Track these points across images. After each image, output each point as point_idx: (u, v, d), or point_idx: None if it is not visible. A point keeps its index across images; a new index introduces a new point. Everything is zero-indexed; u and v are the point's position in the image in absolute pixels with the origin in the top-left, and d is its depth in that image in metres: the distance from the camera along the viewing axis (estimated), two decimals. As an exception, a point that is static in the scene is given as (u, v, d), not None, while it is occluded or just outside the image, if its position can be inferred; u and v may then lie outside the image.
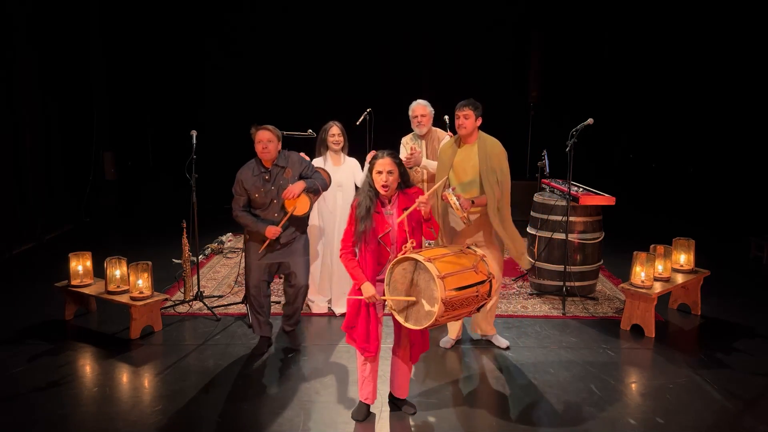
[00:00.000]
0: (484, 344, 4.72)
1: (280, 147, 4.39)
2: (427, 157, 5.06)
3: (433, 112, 5.11)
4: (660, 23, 9.23)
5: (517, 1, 9.41)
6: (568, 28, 9.41)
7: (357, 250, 3.50)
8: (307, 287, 4.60)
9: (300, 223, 4.48)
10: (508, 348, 4.64)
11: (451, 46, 9.42)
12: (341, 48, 9.25)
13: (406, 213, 3.37)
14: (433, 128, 5.15)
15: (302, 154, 4.70)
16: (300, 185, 4.31)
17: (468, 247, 3.49)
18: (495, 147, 4.39)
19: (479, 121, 4.36)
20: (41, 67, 7.83)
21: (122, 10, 9.06)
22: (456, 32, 9.40)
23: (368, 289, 3.40)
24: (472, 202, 4.22)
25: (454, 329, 4.70)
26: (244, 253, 4.58)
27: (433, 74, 9.20)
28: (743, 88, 8.64)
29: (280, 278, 4.67)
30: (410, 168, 4.89)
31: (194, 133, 5.31)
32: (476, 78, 9.07)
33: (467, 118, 4.33)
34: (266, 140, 4.28)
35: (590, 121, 5.10)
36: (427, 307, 3.18)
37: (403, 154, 5.10)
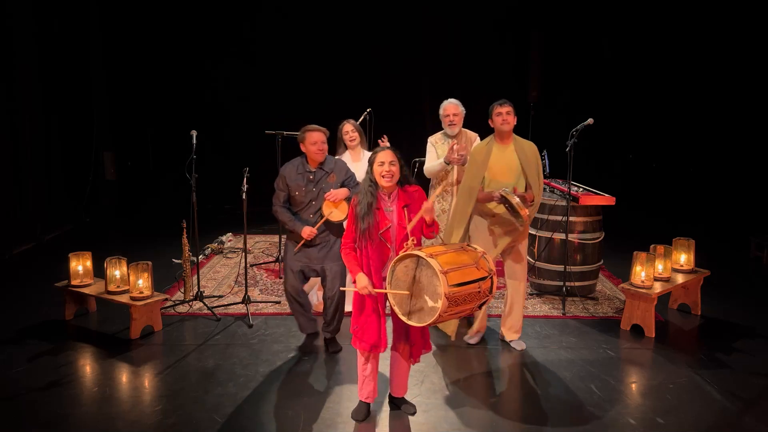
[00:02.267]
0: (484, 344, 4.72)
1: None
2: None
3: (465, 112, 5.04)
4: (660, 23, 9.23)
5: (517, 1, 9.41)
6: (568, 28, 9.41)
7: (357, 247, 3.50)
8: (343, 293, 4.57)
9: (335, 229, 4.49)
10: (523, 350, 4.65)
11: (451, 46, 9.42)
12: (342, 48, 9.25)
13: (413, 222, 3.37)
14: (464, 129, 5.08)
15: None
16: (344, 192, 4.40)
17: (468, 245, 3.50)
18: (532, 147, 4.46)
19: (515, 120, 4.39)
20: (41, 67, 7.83)
21: (122, 10, 9.06)
22: (456, 32, 9.39)
23: (362, 280, 3.40)
24: (531, 200, 4.25)
25: (476, 324, 4.70)
26: (284, 252, 4.62)
27: (433, 74, 9.20)
28: (743, 89, 8.64)
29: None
30: (461, 165, 4.81)
31: (194, 133, 5.31)
32: (476, 78, 9.07)
33: (509, 114, 4.35)
34: (321, 141, 4.35)
35: (590, 121, 5.11)
36: (430, 303, 3.19)
37: (432, 153, 5.05)
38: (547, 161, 6.00)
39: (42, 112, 7.92)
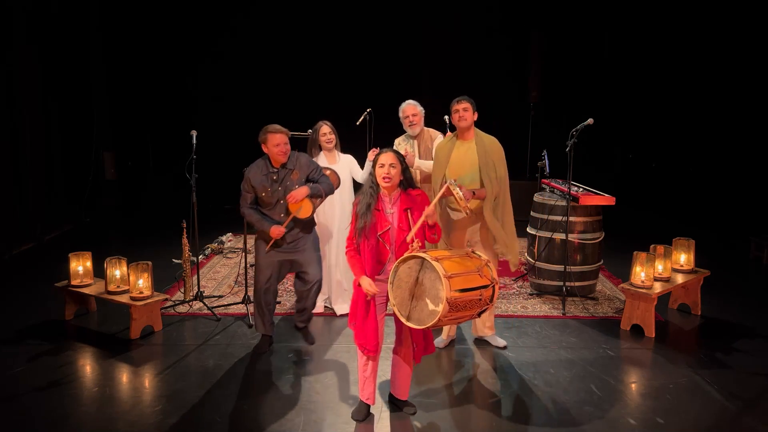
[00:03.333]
0: (484, 344, 4.72)
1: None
2: (420, 158, 5.07)
3: (424, 111, 5.11)
4: (660, 23, 9.24)
5: (517, 1, 9.41)
6: (568, 29, 9.41)
7: (357, 246, 3.50)
8: (320, 282, 4.59)
9: (305, 225, 4.50)
10: (505, 347, 4.65)
11: (451, 46, 9.42)
12: (341, 48, 9.25)
13: (414, 229, 3.37)
14: (426, 128, 5.14)
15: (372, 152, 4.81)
16: (304, 191, 4.35)
17: (473, 252, 3.48)
18: (493, 144, 4.43)
19: (476, 116, 4.40)
20: (41, 67, 7.83)
21: (122, 10, 9.06)
22: (456, 32, 9.40)
23: (365, 282, 3.41)
24: (473, 193, 4.23)
25: (446, 329, 4.71)
26: (255, 251, 4.60)
27: (433, 74, 9.20)
28: (743, 89, 8.64)
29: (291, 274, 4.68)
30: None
31: (194, 133, 5.32)
32: (476, 78, 9.07)
33: (466, 110, 4.37)
34: (284, 143, 4.35)
35: (590, 121, 5.10)
36: (431, 306, 3.18)
37: None
38: (547, 161, 6.01)
39: (42, 112, 7.92)
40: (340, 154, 5.27)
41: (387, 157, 3.44)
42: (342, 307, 5.24)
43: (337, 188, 4.78)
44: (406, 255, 3.28)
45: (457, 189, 3.85)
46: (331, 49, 9.28)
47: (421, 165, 5.00)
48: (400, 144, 5.18)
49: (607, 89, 9.48)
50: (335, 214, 5.17)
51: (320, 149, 5.20)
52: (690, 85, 9.17)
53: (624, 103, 9.55)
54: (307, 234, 4.53)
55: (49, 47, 7.93)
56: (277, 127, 4.39)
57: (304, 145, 5.37)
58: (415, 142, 5.10)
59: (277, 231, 4.34)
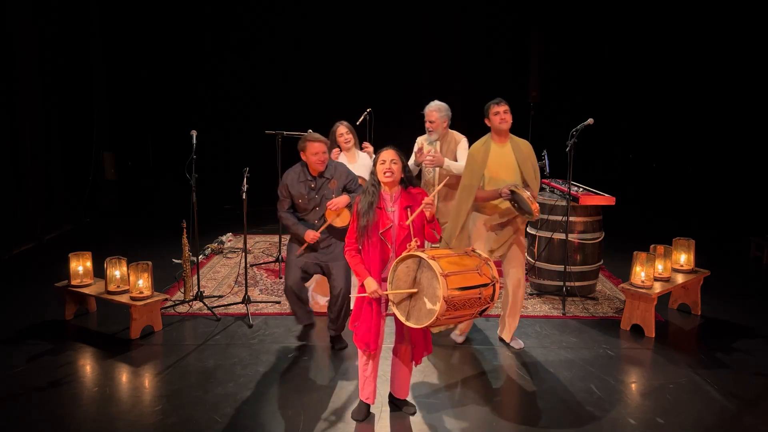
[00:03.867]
0: (484, 344, 4.72)
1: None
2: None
3: (449, 115, 5.02)
4: (660, 23, 9.23)
5: (517, 1, 9.41)
6: (568, 28, 9.41)
7: (360, 247, 3.50)
8: (347, 290, 4.59)
9: (338, 233, 4.50)
10: (521, 348, 4.67)
11: (451, 45, 9.42)
12: (341, 48, 9.25)
13: (414, 214, 3.37)
14: (451, 131, 5.07)
15: (335, 153, 4.86)
16: (345, 199, 4.42)
17: (473, 250, 3.48)
18: (528, 145, 4.51)
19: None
20: (41, 67, 7.83)
21: (122, 10, 9.06)
22: (456, 32, 9.40)
23: (371, 284, 3.41)
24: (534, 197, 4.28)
25: (461, 324, 4.72)
26: (287, 251, 4.67)
27: (433, 74, 9.20)
28: (743, 89, 8.64)
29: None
30: (433, 167, 4.88)
31: (194, 133, 5.32)
32: (476, 78, 9.07)
33: (507, 113, 4.39)
34: (322, 152, 4.37)
35: (590, 121, 5.10)
36: (428, 305, 3.17)
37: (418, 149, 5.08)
38: (547, 161, 6.01)
39: (42, 113, 7.92)
40: (359, 152, 5.27)
41: (388, 154, 3.45)
42: None
43: None
44: (404, 254, 3.28)
45: (525, 191, 3.90)
46: (332, 49, 9.27)
47: (450, 166, 4.88)
48: (423, 143, 5.10)
49: (607, 89, 9.47)
50: None
51: (339, 149, 5.19)
52: (690, 85, 9.18)
53: (624, 103, 9.54)
54: (340, 242, 4.50)
55: (49, 47, 7.92)
56: (317, 135, 4.44)
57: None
58: (438, 143, 5.03)
59: (311, 235, 4.39)
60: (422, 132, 5.11)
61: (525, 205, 4.15)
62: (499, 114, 4.36)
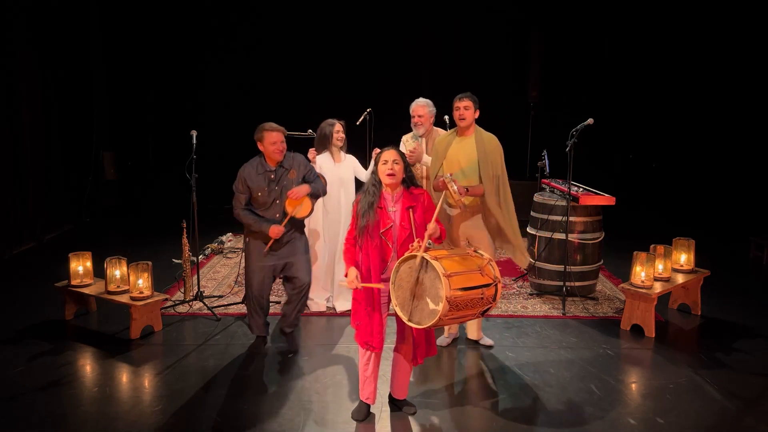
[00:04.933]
0: (484, 345, 4.72)
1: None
2: (427, 155, 5.07)
3: (434, 111, 5.09)
4: (660, 23, 9.23)
5: (517, 1, 9.41)
6: (569, 28, 9.41)
7: (359, 246, 3.50)
8: (309, 285, 4.59)
9: (299, 224, 4.51)
10: (491, 346, 4.66)
11: (451, 45, 9.42)
12: (341, 48, 9.25)
13: (425, 241, 3.31)
14: (435, 128, 5.13)
15: (311, 153, 4.87)
16: (305, 188, 4.36)
17: (475, 251, 3.47)
18: (492, 141, 4.44)
19: (477, 114, 4.40)
20: (41, 67, 7.83)
21: (122, 10, 9.06)
22: (456, 32, 9.40)
23: (350, 274, 3.42)
24: (467, 189, 4.23)
25: (447, 327, 4.73)
26: (244, 254, 4.58)
27: (433, 74, 9.20)
28: (743, 89, 8.64)
29: (280, 278, 4.67)
30: (412, 165, 4.89)
31: (194, 133, 5.32)
32: (476, 78, 9.06)
33: (467, 109, 4.37)
34: (280, 141, 4.33)
35: (590, 121, 5.11)
36: (431, 305, 3.17)
37: (404, 150, 5.08)
38: (547, 161, 6.01)
39: (42, 112, 7.92)
40: (345, 154, 5.29)
41: (390, 154, 3.46)
42: (343, 304, 5.25)
43: (323, 195, 4.76)
44: (406, 254, 3.28)
45: (453, 184, 3.87)
46: (332, 49, 9.28)
47: (427, 161, 4.99)
48: (408, 141, 5.16)
49: (607, 89, 9.48)
50: (341, 213, 5.18)
51: (325, 147, 5.21)
52: (690, 85, 9.18)
53: (624, 103, 9.54)
54: (300, 236, 4.53)
55: (49, 47, 7.92)
56: (273, 125, 4.36)
57: (303, 144, 5.37)
58: (423, 140, 5.09)
59: (276, 230, 4.30)
60: None
61: (449, 197, 4.10)
62: (459, 110, 4.38)
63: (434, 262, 3.14)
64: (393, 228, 3.46)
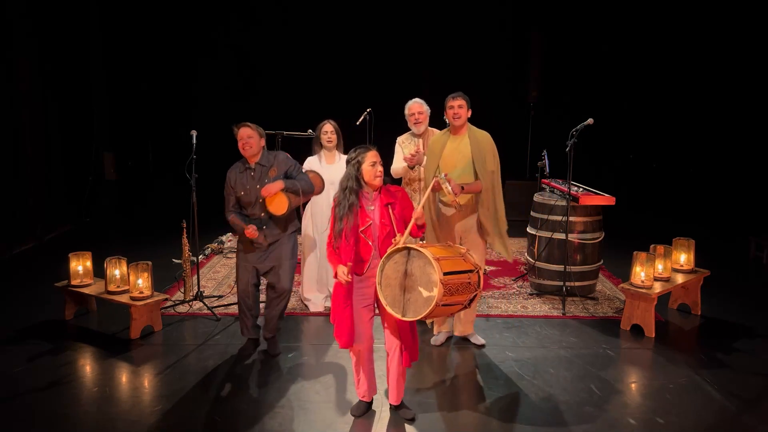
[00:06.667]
0: (483, 345, 4.72)
1: (263, 144, 4.39)
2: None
3: (430, 111, 5.08)
4: (660, 23, 9.23)
5: (517, 1, 9.41)
6: (569, 29, 9.41)
7: (335, 248, 3.49)
8: (290, 292, 4.53)
9: (285, 223, 4.41)
10: (483, 345, 4.65)
11: (451, 46, 9.42)
12: (341, 48, 9.25)
13: (407, 231, 3.38)
14: (430, 128, 5.11)
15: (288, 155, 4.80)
16: (278, 184, 4.22)
17: (449, 244, 3.57)
18: (485, 138, 4.46)
19: (470, 113, 4.42)
20: (41, 67, 7.83)
21: (122, 10, 9.06)
22: (456, 32, 9.40)
23: (341, 271, 3.41)
24: (462, 187, 4.23)
25: (437, 326, 4.73)
26: (236, 255, 4.57)
27: (433, 74, 9.20)
28: (743, 89, 8.64)
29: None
30: (412, 168, 4.88)
31: (194, 133, 5.32)
32: (476, 78, 9.07)
33: (462, 107, 4.39)
34: (246, 137, 4.30)
35: (590, 121, 5.11)
36: (425, 293, 3.19)
37: (400, 153, 5.06)
38: (547, 161, 6.01)
39: (42, 112, 7.92)
40: (341, 155, 5.25)
41: (375, 155, 3.48)
42: None
43: (318, 192, 4.73)
44: (390, 250, 3.29)
45: (447, 183, 3.88)
46: (332, 49, 9.27)
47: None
48: (405, 142, 5.13)
49: (608, 89, 9.47)
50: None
51: (321, 147, 5.20)
52: (690, 85, 9.17)
53: (624, 103, 9.54)
54: (288, 239, 4.44)
55: (49, 47, 7.92)
56: (244, 123, 4.35)
57: (303, 144, 5.38)
58: (420, 140, 5.07)
59: (250, 230, 4.24)
60: None
61: (444, 197, 4.10)
62: (453, 108, 4.39)
63: (422, 250, 3.19)
64: (372, 226, 3.46)
